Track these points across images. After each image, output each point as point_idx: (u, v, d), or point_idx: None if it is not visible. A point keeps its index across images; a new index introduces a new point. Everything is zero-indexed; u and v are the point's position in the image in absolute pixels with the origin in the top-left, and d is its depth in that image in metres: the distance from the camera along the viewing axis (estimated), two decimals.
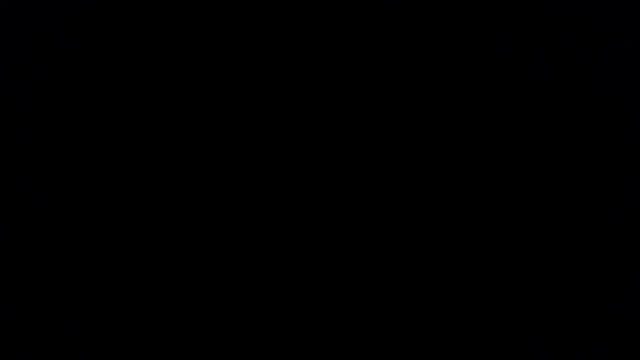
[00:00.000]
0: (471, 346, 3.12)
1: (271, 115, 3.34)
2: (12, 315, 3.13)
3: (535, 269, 3.19)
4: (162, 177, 3.28)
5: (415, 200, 3.27)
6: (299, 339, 3.18)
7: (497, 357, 3.10)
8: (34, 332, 3.13)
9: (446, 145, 3.29)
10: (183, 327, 3.16)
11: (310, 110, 3.34)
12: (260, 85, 3.35)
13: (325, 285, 3.24)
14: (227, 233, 3.26)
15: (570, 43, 3.31)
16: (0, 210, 3.21)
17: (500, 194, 3.25)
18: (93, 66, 3.33)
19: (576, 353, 3.07)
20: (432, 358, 3.12)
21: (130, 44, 3.34)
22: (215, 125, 3.33)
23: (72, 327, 3.13)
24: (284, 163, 3.31)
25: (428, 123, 3.31)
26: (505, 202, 3.24)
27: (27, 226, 3.21)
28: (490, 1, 3.34)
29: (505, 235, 3.22)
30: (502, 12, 3.33)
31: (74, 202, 3.25)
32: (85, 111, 3.32)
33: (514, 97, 3.30)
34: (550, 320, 3.13)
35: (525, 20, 3.33)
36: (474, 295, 3.18)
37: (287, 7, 3.36)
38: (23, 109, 3.32)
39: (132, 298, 3.18)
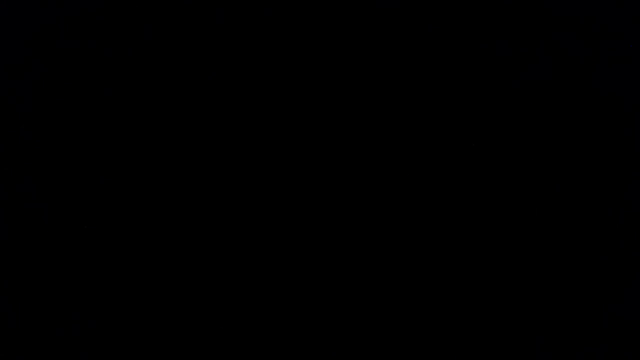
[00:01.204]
0: (471, 346, 3.12)
1: (271, 115, 3.34)
2: (12, 315, 3.13)
3: (535, 269, 3.20)
4: (162, 177, 3.28)
5: (415, 200, 3.27)
6: (299, 339, 3.18)
7: (497, 357, 3.10)
8: (34, 332, 3.13)
9: (446, 145, 3.29)
10: (183, 327, 3.16)
11: (310, 110, 3.34)
12: (260, 85, 3.35)
13: (325, 285, 3.24)
14: (228, 233, 3.26)
15: (570, 43, 3.31)
16: (0, 210, 3.21)
17: (500, 193, 3.25)
18: (93, 66, 3.33)
19: (576, 353, 3.07)
20: (432, 358, 3.12)
21: (130, 44, 3.34)
22: (215, 125, 3.33)
23: (72, 327, 3.13)
24: (284, 163, 3.31)
25: (428, 123, 3.31)
26: (506, 202, 3.24)
27: (27, 226, 3.21)
28: (490, 1, 3.34)
29: (505, 235, 3.22)
30: (502, 12, 3.34)
31: (74, 202, 3.25)
32: (85, 111, 3.32)
33: (514, 97, 3.30)
34: (550, 320, 3.13)
35: (525, 20, 3.33)
36: (474, 295, 3.18)
37: (287, 7, 3.37)
38: (23, 109, 3.32)
39: (132, 298, 3.19)
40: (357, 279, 3.24)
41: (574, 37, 3.31)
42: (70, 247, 3.21)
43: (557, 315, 3.13)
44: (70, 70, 3.34)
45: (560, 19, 3.33)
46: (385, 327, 3.17)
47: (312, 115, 3.33)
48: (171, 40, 3.35)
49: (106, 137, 3.31)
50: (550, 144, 3.28)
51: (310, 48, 3.36)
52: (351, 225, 3.26)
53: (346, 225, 3.27)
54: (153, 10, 3.35)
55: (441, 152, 3.29)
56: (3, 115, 3.31)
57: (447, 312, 3.17)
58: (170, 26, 3.35)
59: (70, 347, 3.12)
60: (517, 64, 3.32)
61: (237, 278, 3.24)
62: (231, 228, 3.27)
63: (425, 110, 3.32)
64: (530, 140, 3.28)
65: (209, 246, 3.20)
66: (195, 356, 3.14)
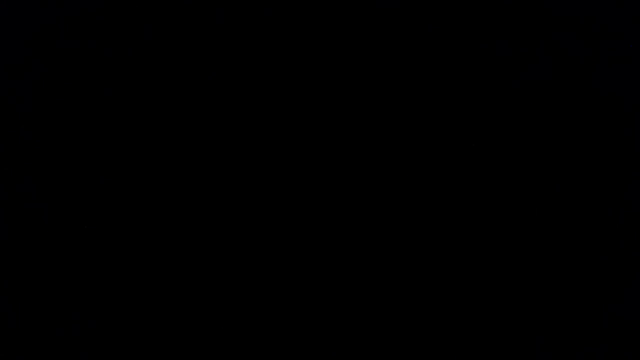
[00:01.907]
0: (471, 346, 3.12)
1: (271, 115, 3.34)
2: (12, 315, 3.13)
3: (535, 269, 3.19)
4: (162, 177, 3.29)
5: (415, 200, 3.27)
6: (299, 339, 3.18)
7: (498, 357, 3.10)
8: (34, 332, 3.13)
9: (446, 145, 3.29)
10: (183, 327, 3.16)
11: (310, 110, 3.34)
12: (260, 85, 3.35)
13: (325, 285, 3.24)
14: (227, 233, 3.27)
15: (570, 43, 3.32)
16: (0, 210, 3.22)
17: (500, 193, 3.25)
18: (93, 66, 3.34)
19: (576, 353, 3.07)
20: (432, 358, 3.12)
21: (130, 44, 3.34)
22: (215, 125, 3.33)
23: (72, 327, 3.13)
24: (284, 163, 3.31)
25: (428, 123, 3.31)
26: (506, 202, 3.24)
27: (27, 226, 3.21)
28: (490, 1, 3.34)
29: (505, 235, 3.22)
30: (502, 12, 3.34)
31: (74, 202, 3.25)
32: (85, 111, 3.32)
33: (514, 97, 3.31)
34: (550, 320, 3.13)
35: (525, 20, 3.33)
36: (474, 295, 3.18)
37: (287, 7, 3.37)
38: (23, 109, 3.32)
39: (132, 298, 3.19)
40: (357, 278, 3.24)
41: (574, 37, 3.31)
42: (70, 247, 3.21)
43: (557, 315, 3.13)
44: (70, 70, 3.34)
45: (560, 19, 3.33)
46: (385, 327, 3.17)
47: (311, 115, 3.33)
48: (171, 40, 3.35)
49: (106, 137, 3.31)
50: (550, 144, 3.28)
51: (310, 48, 3.36)
52: (351, 225, 3.26)
53: (346, 225, 3.27)
54: (153, 10, 3.35)
55: (441, 152, 3.29)
56: (3, 115, 3.31)
57: (447, 312, 3.17)
58: (170, 26, 3.35)
59: (70, 347, 3.12)
60: (517, 64, 3.32)
61: (237, 278, 3.24)
62: (231, 228, 3.27)
63: (426, 110, 3.32)
64: (530, 140, 3.28)
65: (209, 246, 3.20)
66: (195, 356, 3.14)
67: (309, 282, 3.24)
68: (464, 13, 3.35)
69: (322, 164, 3.29)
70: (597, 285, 3.15)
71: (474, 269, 3.20)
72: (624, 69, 3.28)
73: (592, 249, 3.18)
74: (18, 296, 3.16)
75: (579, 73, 3.30)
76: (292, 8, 3.37)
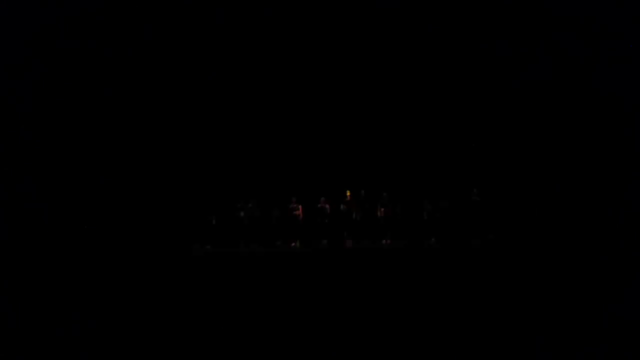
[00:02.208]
0: (471, 346, 3.11)
1: (271, 114, 3.34)
2: (12, 315, 3.12)
3: (536, 269, 3.19)
4: (161, 177, 3.28)
5: (415, 199, 3.27)
6: (299, 341, 3.17)
7: (498, 357, 3.09)
8: (34, 332, 3.12)
9: (446, 145, 3.29)
10: (183, 327, 3.15)
11: (310, 110, 3.34)
12: (259, 84, 3.35)
13: (325, 287, 3.23)
14: (226, 233, 3.26)
15: (570, 43, 3.32)
16: (0, 210, 3.21)
17: (499, 193, 3.25)
18: (93, 66, 3.34)
19: (576, 353, 3.06)
20: (432, 358, 3.11)
21: (130, 44, 3.34)
22: (214, 124, 3.33)
23: (72, 327, 3.12)
24: (283, 161, 3.31)
25: (428, 123, 3.31)
26: (505, 202, 3.24)
27: (27, 226, 3.21)
28: (490, 1, 3.34)
29: (504, 235, 3.22)
30: (502, 12, 3.34)
31: (74, 202, 3.25)
32: (85, 111, 3.32)
33: (514, 97, 3.30)
34: (550, 320, 3.12)
35: (525, 20, 3.33)
36: (474, 295, 3.17)
37: (287, 7, 3.37)
38: (23, 109, 3.32)
39: (132, 298, 3.18)
40: (356, 278, 3.23)
41: (574, 37, 3.31)
42: (70, 247, 3.21)
43: (557, 315, 3.12)
44: (70, 70, 3.34)
45: (560, 19, 3.33)
46: (385, 326, 3.16)
47: (311, 115, 3.33)
48: (171, 40, 3.35)
49: (106, 137, 3.30)
50: (550, 144, 3.28)
51: (310, 48, 3.36)
52: (350, 222, 3.26)
53: (345, 222, 3.26)
54: (153, 10, 3.35)
55: (441, 152, 3.29)
56: (3, 115, 3.31)
57: (447, 311, 3.16)
58: (170, 26, 3.35)
59: (70, 347, 3.12)
60: (517, 64, 3.32)
61: (237, 279, 3.23)
62: (230, 227, 3.27)
63: (426, 109, 3.32)
64: (530, 140, 3.28)
65: (207, 244, 3.19)
66: (195, 356, 3.13)
67: (309, 283, 3.23)
68: (464, 13, 3.35)
69: (321, 163, 3.28)
70: (597, 285, 3.14)
71: (474, 268, 3.20)
72: (624, 69, 3.28)
73: (592, 249, 3.17)
74: (18, 296, 3.15)
75: (579, 73, 3.30)
76: (292, 8, 3.36)
